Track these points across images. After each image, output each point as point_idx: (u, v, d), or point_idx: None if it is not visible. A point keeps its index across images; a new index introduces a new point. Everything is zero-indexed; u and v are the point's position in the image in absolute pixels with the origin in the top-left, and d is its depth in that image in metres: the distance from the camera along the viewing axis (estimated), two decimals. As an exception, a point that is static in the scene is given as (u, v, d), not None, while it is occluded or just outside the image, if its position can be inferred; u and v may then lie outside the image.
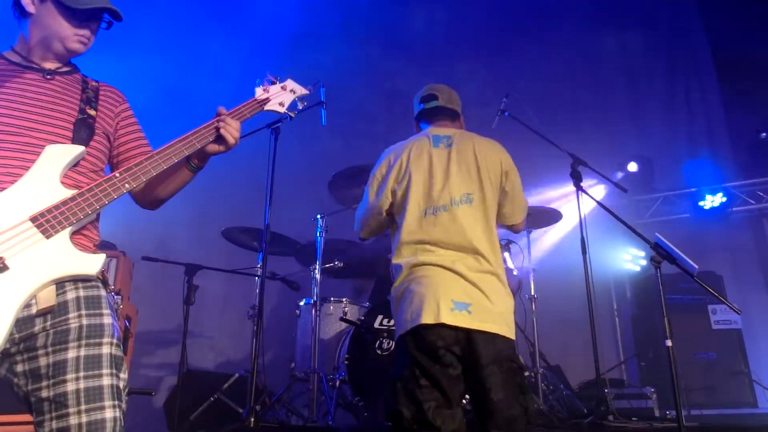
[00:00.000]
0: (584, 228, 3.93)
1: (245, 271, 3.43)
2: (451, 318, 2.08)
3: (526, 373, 4.02)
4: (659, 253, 3.01)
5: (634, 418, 3.85)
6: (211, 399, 3.37)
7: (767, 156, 6.46)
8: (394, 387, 2.11)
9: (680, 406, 2.77)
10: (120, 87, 1.86)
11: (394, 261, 2.29)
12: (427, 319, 2.08)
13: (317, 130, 3.28)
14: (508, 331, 2.18)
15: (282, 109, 2.01)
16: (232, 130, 1.74)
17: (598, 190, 6.04)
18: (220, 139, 1.73)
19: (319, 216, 3.59)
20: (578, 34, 6.16)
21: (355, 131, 4.50)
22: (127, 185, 1.57)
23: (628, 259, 6.17)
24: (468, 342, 2.09)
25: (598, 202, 3.63)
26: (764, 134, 6.59)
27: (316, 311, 3.43)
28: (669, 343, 2.97)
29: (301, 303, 3.80)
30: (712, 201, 6.23)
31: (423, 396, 2.03)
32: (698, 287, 2.98)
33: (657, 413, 4.60)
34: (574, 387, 4.66)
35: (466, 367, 2.11)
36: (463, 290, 2.15)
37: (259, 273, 3.17)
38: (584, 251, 3.88)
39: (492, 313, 2.16)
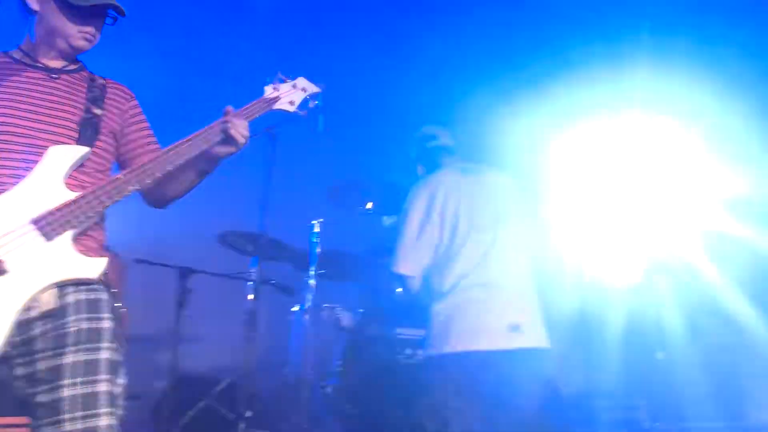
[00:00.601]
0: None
1: (239, 276, 3.42)
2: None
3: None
4: (653, 266, 3.08)
5: (623, 430, 3.90)
6: (202, 404, 3.35)
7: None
8: (420, 398, 2.30)
9: (666, 418, 2.83)
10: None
11: None
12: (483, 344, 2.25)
13: (315, 135, 3.28)
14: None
15: (292, 108, 1.96)
16: (240, 129, 1.69)
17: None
18: (228, 139, 1.69)
19: (315, 222, 3.60)
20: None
21: (354, 137, 4.49)
22: (131, 187, 1.56)
23: (623, 271, 6.20)
24: None
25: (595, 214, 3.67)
26: None
27: (309, 317, 3.43)
28: (661, 355, 3.05)
29: (295, 309, 3.78)
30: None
31: (451, 416, 2.15)
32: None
33: (647, 425, 4.64)
34: (565, 398, 4.69)
35: None
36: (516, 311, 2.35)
37: (253, 277, 3.17)
38: (575, 262, 3.94)
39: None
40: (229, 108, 1.75)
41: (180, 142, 1.66)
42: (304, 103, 2.03)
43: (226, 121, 1.70)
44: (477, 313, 2.21)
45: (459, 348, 2.16)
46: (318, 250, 3.58)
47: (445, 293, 2.30)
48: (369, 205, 3.87)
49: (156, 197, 1.83)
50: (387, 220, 3.60)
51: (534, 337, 2.30)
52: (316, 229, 3.62)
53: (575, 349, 4.47)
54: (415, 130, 2.95)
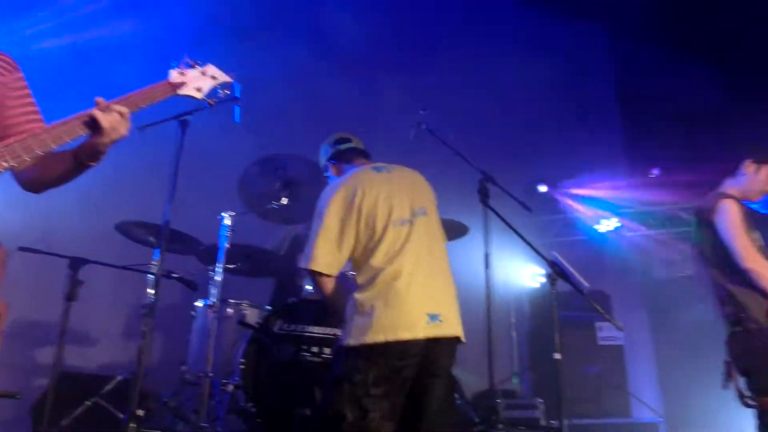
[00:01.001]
0: (488, 243, 4.10)
1: (138, 268, 3.26)
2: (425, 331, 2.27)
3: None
4: (555, 271, 3.26)
5: (521, 427, 4.08)
6: (88, 403, 3.18)
7: (658, 187, 7.10)
8: (339, 387, 2.20)
9: (563, 416, 3.00)
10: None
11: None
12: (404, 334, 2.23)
13: (230, 126, 3.19)
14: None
15: (199, 95, 1.87)
16: (111, 118, 1.56)
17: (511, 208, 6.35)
18: (97, 128, 1.56)
19: (224, 215, 3.50)
20: (498, 58, 6.44)
21: (271, 130, 4.42)
22: (4, 163, 1.44)
23: (529, 275, 6.50)
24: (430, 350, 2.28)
25: (503, 219, 3.78)
26: (655, 172, 7.24)
27: (213, 313, 3.34)
28: (558, 356, 3.22)
29: (198, 304, 3.67)
30: (608, 225, 6.77)
31: (372, 405, 2.14)
32: (589, 305, 3.23)
33: (543, 423, 4.89)
34: (469, 397, 4.85)
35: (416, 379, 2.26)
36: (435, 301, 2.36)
37: (153, 270, 3.03)
38: (487, 266, 4.05)
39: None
40: (100, 99, 1.61)
41: (61, 122, 1.54)
42: (213, 92, 1.95)
43: (94, 112, 1.57)
44: (399, 304, 2.26)
45: (382, 338, 2.19)
46: (227, 244, 3.50)
47: (366, 285, 2.33)
48: (283, 201, 3.81)
49: (31, 180, 1.70)
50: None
51: (452, 327, 2.38)
52: (227, 222, 3.53)
53: (478, 348, 4.61)
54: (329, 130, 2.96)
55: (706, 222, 2.96)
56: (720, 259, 2.89)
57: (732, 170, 3.13)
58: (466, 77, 6.25)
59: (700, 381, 5.80)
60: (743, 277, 2.77)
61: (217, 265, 3.44)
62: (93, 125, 1.57)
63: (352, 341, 2.25)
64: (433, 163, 5.16)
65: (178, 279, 3.30)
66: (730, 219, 2.86)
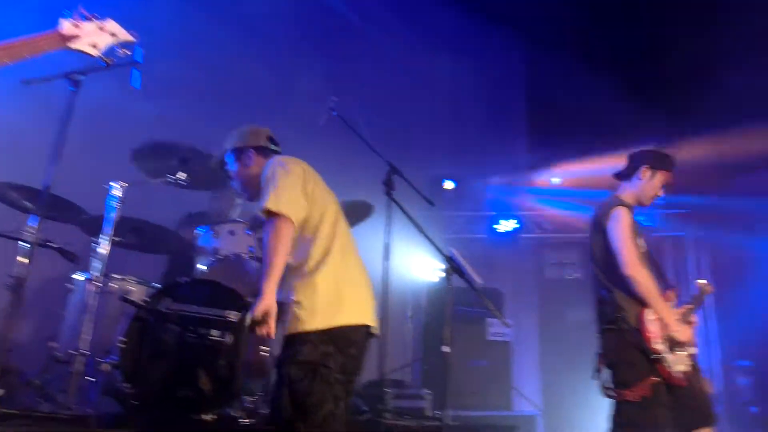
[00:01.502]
0: (390, 234, 4.18)
1: (9, 234, 3.02)
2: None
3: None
4: (450, 266, 3.38)
5: (407, 417, 4.21)
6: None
7: (555, 193, 7.54)
8: (315, 374, 2.12)
9: (447, 407, 3.14)
10: None
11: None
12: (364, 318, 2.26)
13: (128, 91, 3.03)
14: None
15: (94, 52, 1.73)
16: None
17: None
18: None
19: (114, 184, 3.32)
20: (415, 53, 6.56)
21: (172, 100, 4.24)
22: None
23: (428, 269, 6.69)
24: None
25: (405, 212, 3.87)
26: (557, 180, 7.69)
27: (93, 287, 3.17)
28: (447, 349, 3.34)
29: (78, 277, 3.48)
30: (506, 226, 7.10)
31: (340, 392, 2.15)
32: (482, 301, 3.39)
33: (429, 413, 5.07)
34: (361, 385, 4.94)
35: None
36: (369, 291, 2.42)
37: (28, 238, 2.83)
38: (386, 257, 4.13)
39: None
40: None
41: None
42: (110, 50, 1.82)
43: None
44: (360, 288, 2.31)
45: (353, 321, 2.22)
46: (115, 215, 3.33)
47: (321, 266, 2.29)
48: (182, 176, 3.69)
49: None
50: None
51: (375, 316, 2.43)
52: (116, 193, 3.36)
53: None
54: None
55: (599, 225, 3.12)
56: (606, 262, 3.05)
57: (629, 175, 3.27)
58: (381, 70, 6.32)
59: (578, 378, 6.24)
60: (625, 282, 2.95)
61: (101, 236, 3.26)
62: None
63: (319, 324, 2.17)
64: (340, 151, 5.19)
65: (57, 249, 3.10)
66: (620, 227, 3.02)
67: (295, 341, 2.17)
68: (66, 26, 1.69)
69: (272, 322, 2.13)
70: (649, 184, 3.21)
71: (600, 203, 3.26)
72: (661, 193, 3.27)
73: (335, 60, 5.96)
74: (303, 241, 2.32)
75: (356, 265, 2.41)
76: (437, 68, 6.67)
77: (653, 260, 3.23)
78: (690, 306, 3.23)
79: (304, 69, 5.37)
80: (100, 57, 1.78)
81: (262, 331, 2.11)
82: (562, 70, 7.50)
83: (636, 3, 7.56)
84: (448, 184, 7.06)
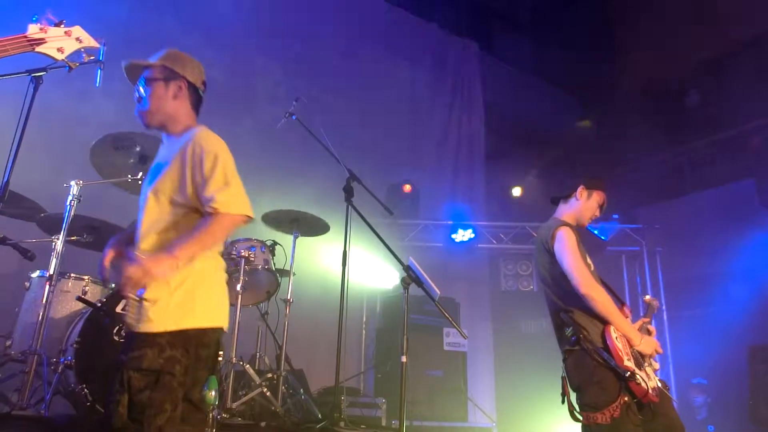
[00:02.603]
0: (348, 241, 4.38)
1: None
2: None
3: (269, 375, 4.34)
4: (409, 275, 3.47)
5: (362, 426, 4.35)
6: None
7: (512, 205, 7.91)
8: (162, 381, 2.01)
9: (404, 417, 3.25)
10: None
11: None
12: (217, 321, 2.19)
13: (89, 89, 3.17)
14: None
15: (60, 56, 1.87)
16: None
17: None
18: None
19: (73, 183, 3.44)
20: (378, 62, 6.83)
21: (133, 99, 4.34)
22: None
23: (383, 277, 6.90)
24: None
25: (363, 218, 4.06)
26: (516, 192, 8.05)
27: (50, 285, 3.27)
28: (404, 359, 3.42)
29: (34, 275, 3.56)
30: (463, 235, 7.38)
31: (177, 395, 2.06)
32: (438, 310, 3.45)
33: (384, 422, 5.24)
34: (314, 392, 5.08)
35: None
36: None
37: (-16, 234, 2.93)
38: (344, 263, 4.32)
39: None
40: None
41: None
42: (76, 55, 1.95)
43: None
44: (205, 290, 2.19)
45: (185, 325, 2.09)
46: (72, 214, 3.43)
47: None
48: (140, 175, 3.80)
49: None
50: None
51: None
52: (74, 191, 3.46)
53: (327, 344, 4.88)
54: None
55: (545, 248, 3.14)
56: (558, 283, 3.07)
57: (567, 197, 3.33)
58: (343, 76, 6.54)
59: (532, 389, 6.56)
60: (582, 302, 2.96)
61: (59, 235, 3.36)
62: None
63: (169, 325, 2.06)
64: (300, 156, 5.40)
65: (14, 246, 3.20)
66: (568, 247, 3.04)
67: (141, 342, 2.05)
68: (32, 30, 1.82)
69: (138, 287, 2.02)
70: (586, 204, 3.29)
71: (542, 227, 3.29)
72: (598, 213, 3.34)
73: (296, 65, 6.16)
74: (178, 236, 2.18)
75: (217, 266, 2.28)
76: (396, 76, 6.94)
77: (601, 279, 3.27)
78: (645, 319, 3.32)
79: (263, 72, 5.55)
80: (64, 61, 1.90)
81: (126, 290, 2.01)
82: (518, 85, 7.91)
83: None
84: (407, 187, 7.24)
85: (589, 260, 3.18)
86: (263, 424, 3.78)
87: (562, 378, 3.02)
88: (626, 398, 2.82)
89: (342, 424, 4.01)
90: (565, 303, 3.06)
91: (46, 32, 1.85)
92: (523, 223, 7.71)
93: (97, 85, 3.15)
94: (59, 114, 3.65)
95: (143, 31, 4.41)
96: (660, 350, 3.11)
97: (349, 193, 4.26)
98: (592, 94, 8.27)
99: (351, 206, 4.25)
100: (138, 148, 3.76)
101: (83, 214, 3.53)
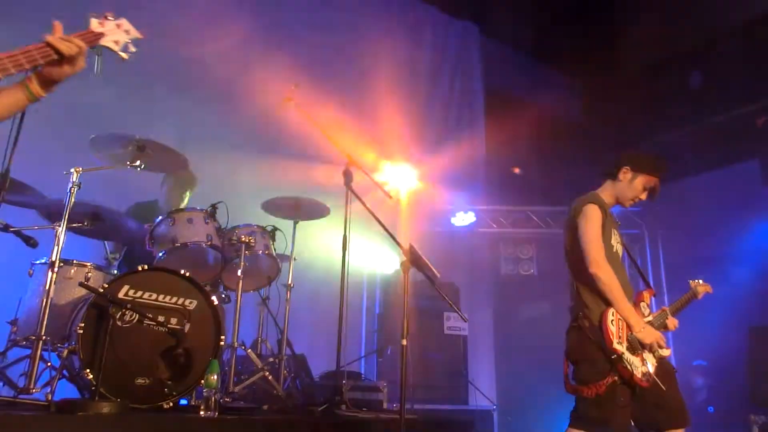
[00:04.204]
0: (348, 226, 4.44)
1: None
2: None
3: (271, 359, 4.42)
4: (410, 259, 3.53)
5: (363, 409, 4.44)
6: None
7: (512, 189, 7.95)
8: None
9: (404, 400, 3.34)
10: None
11: None
12: None
13: (88, 77, 3.20)
14: None
15: (116, 48, 2.02)
16: (70, 48, 1.72)
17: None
18: (60, 59, 1.71)
19: (73, 170, 3.49)
20: (378, 45, 6.83)
21: (131, 86, 4.40)
22: None
23: (383, 261, 6.98)
24: None
25: (363, 203, 4.13)
26: (518, 170, 8.08)
27: (53, 272, 3.34)
28: (404, 342, 3.52)
29: (37, 262, 3.63)
30: (463, 219, 7.44)
31: None
32: (439, 294, 3.48)
33: (385, 405, 5.34)
34: (315, 376, 5.17)
35: None
36: None
37: (-13, 222, 2.99)
38: (344, 248, 4.38)
39: None
40: (58, 24, 1.74)
41: (19, 50, 1.65)
42: (125, 46, 2.08)
43: (52, 39, 1.72)
44: None
45: None
46: (73, 201, 3.49)
47: None
48: (139, 163, 3.86)
49: None
50: None
51: None
52: (74, 179, 3.52)
53: (328, 328, 4.95)
54: None
55: (571, 221, 3.22)
56: (575, 257, 3.15)
57: (613, 174, 3.33)
58: (342, 60, 6.55)
59: (532, 373, 6.67)
60: (591, 280, 3.05)
61: (60, 222, 3.42)
62: (56, 52, 1.70)
63: None
64: (299, 140, 5.43)
65: (16, 233, 3.26)
66: (590, 224, 3.10)
67: None
68: (95, 25, 1.97)
69: None
70: (629, 186, 3.30)
71: (577, 198, 3.31)
72: (643, 197, 3.33)
73: (294, 49, 6.17)
74: None
75: None
76: (394, 57, 6.94)
77: (632, 259, 3.35)
78: (673, 306, 3.41)
79: (262, 57, 5.57)
80: (119, 53, 2.04)
81: None
82: (519, 67, 7.89)
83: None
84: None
85: (616, 240, 3.25)
86: (265, 407, 3.88)
87: (564, 351, 3.15)
88: (615, 378, 2.94)
89: (343, 407, 4.10)
90: (577, 278, 3.16)
91: (104, 26, 1.98)
92: (524, 207, 7.76)
93: (96, 72, 3.20)
94: (58, 102, 3.67)
95: (140, 17, 4.42)
96: (662, 344, 3.14)
97: (348, 177, 4.31)
98: (592, 75, 8.26)
99: (350, 191, 4.31)
100: (137, 136, 3.82)
101: (85, 201, 3.59)
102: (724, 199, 7.67)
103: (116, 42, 2.04)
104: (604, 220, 3.17)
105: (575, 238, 3.16)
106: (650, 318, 3.28)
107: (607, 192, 3.36)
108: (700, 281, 3.66)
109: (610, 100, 8.37)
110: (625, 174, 3.32)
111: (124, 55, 2.09)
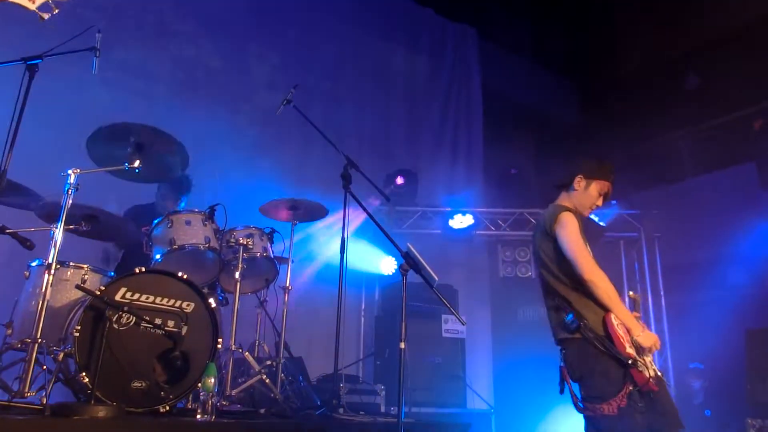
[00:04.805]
0: (346, 228, 4.43)
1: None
2: None
3: (268, 362, 4.40)
4: (407, 261, 3.50)
5: (361, 412, 4.43)
6: None
7: (510, 191, 7.94)
8: None
9: (402, 404, 3.31)
10: None
11: None
12: None
13: (85, 77, 3.19)
14: None
15: (31, 6, 1.86)
16: None
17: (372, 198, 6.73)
18: None
19: (70, 171, 3.46)
20: (376, 48, 6.83)
21: (129, 87, 4.38)
22: None
23: (381, 263, 6.97)
24: None
25: (361, 205, 4.10)
26: (513, 170, 8.08)
27: (49, 274, 3.30)
28: (402, 345, 3.49)
29: (33, 264, 3.60)
30: (461, 222, 7.42)
31: None
32: (437, 297, 3.43)
33: (383, 409, 5.34)
34: (313, 380, 5.15)
35: None
36: None
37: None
38: (342, 250, 4.37)
39: None
40: None
41: None
42: (45, 6, 1.93)
43: None
44: None
45: None
46: (69, 202, 3.46)
47: None
48: (136, 164, 3.83)
49: None
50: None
51: None
52: (71, 180, 3.49)
53: (326, 331, 4.94)
54: None
55: (547, 232, 3.14)
56: (560, 268, 3.07)
57: (566, 185, 3.33)
58: (340, 62, 6.55)
59: (529, 376, 6.66)
60: (583, 288, 2.96)
61: (57, 224, 3.39)
62: None
63: None
64: (297, 143, 5.43)
65: (12, 235, 3.23)
66: (570, 231, 3.03)
67: None
68: None
69: None
70: (584, 193, 3.27)
71: (544, 213, 3.29)
72: (599, 203, 3.30)
73: (293, 54, 6.17)
74: None
75: None
76: (390, 63, 6.95)
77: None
78: (635, 314, 3.21)
79: (260, 59, 5.57)
80: (35, 11, 1.91)
81: None
82: (517, 69, 7.91)
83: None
84: (399, 179, 7.22)
85: (589, 247, 3.17)
86: (263, 410, 3.86)
87: (561, 368, 3.02)
88: (631, 387, 2.81)
89: (341, 410, 4.09)
90: (564, 289, 3.05)
91: None
92: (522, 209, 7.75)
93: (94, 71, 3.19)
94: (55, 102, 3.67)
95: (138, 17, 4.42)
96: (659, 346, 3.06)
97: (347, 180, 4.30)
98: (590, 78, 8.28)
99: (349, 193, 4.30)
100: (133, 138, 3.79)
101: (81, 203, 3.56)
102: (721, 202, 7.68)
103: (32, 0, 1.91)
104: (581, 225, 3.12)
105: (556, 249, 3.09)
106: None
107: (565, 203, 3.30)
108: (634, 293, 3.59)
109: (607, 103, 8.39)
110: (579, 182, 3.29)
111: (42, 14, 1.96)
